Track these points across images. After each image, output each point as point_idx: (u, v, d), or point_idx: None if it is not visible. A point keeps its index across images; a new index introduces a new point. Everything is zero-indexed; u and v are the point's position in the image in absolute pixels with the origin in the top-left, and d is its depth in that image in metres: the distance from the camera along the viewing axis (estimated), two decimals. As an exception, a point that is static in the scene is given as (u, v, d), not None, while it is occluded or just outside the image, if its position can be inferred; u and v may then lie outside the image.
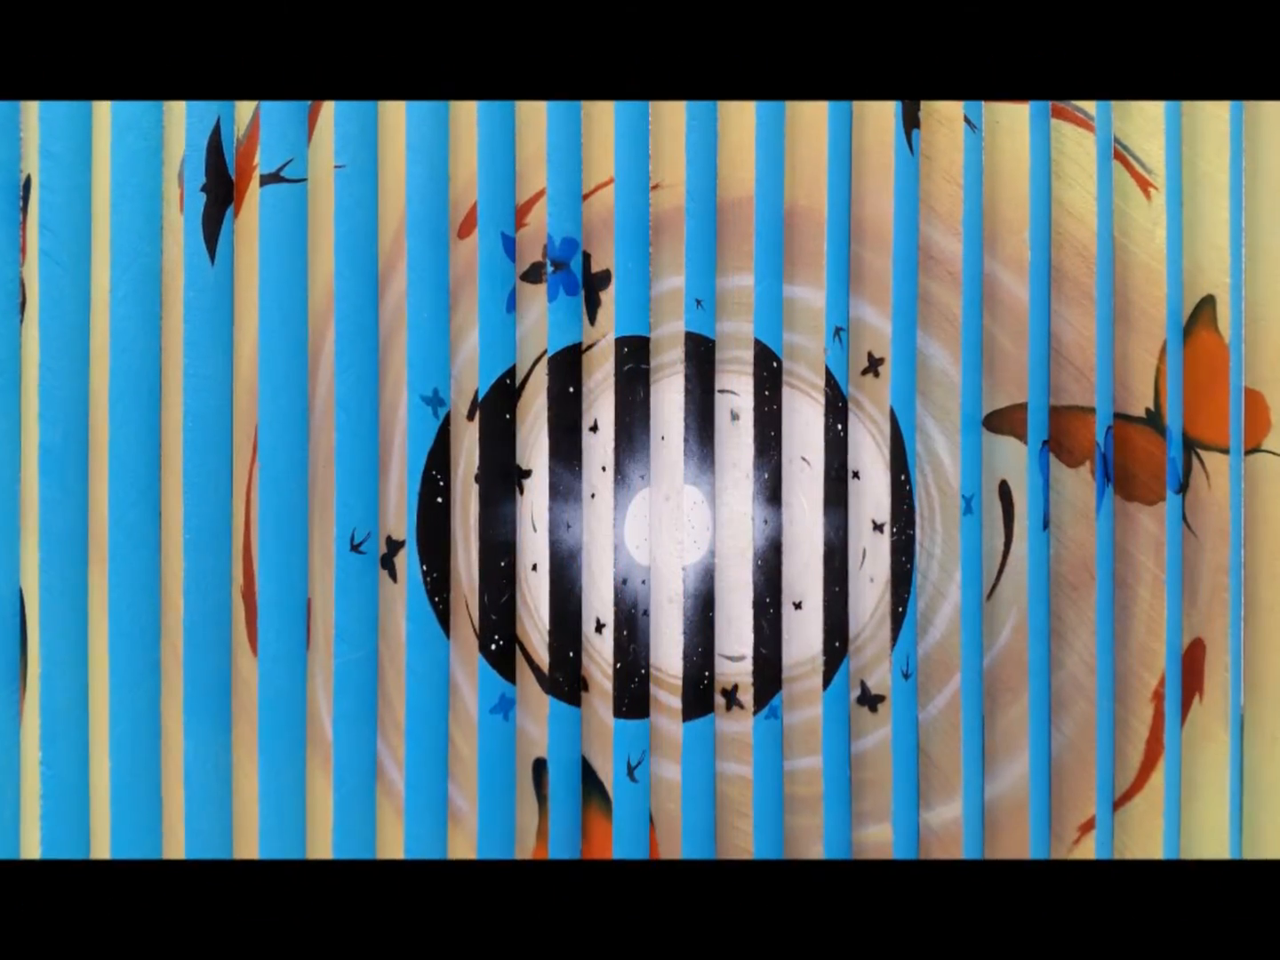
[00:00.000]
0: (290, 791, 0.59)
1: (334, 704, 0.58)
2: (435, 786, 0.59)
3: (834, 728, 0.61)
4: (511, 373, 0.60)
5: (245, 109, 0.59)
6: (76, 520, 0.58)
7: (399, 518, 0.59)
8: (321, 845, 0.59)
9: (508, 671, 0.60)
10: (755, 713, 0.60)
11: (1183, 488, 0.62)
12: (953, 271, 0.60)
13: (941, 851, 0.61)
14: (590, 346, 0.60)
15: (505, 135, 0.59)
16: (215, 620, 0.59)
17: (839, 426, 0.61)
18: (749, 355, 0.60)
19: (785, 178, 0.60)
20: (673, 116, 0.59)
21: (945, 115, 0.60)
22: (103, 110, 0.57)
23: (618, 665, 0.60)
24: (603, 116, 0.59)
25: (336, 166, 0.57)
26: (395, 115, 0.58)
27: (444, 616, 0.60)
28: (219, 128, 0.58)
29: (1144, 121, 0.60)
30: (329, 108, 0.58)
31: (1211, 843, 0.62)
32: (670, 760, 0.60)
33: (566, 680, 0.60)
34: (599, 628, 0.61)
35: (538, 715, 0.60)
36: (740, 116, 0.59)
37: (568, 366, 0.60)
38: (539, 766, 0.60)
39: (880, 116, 0.60)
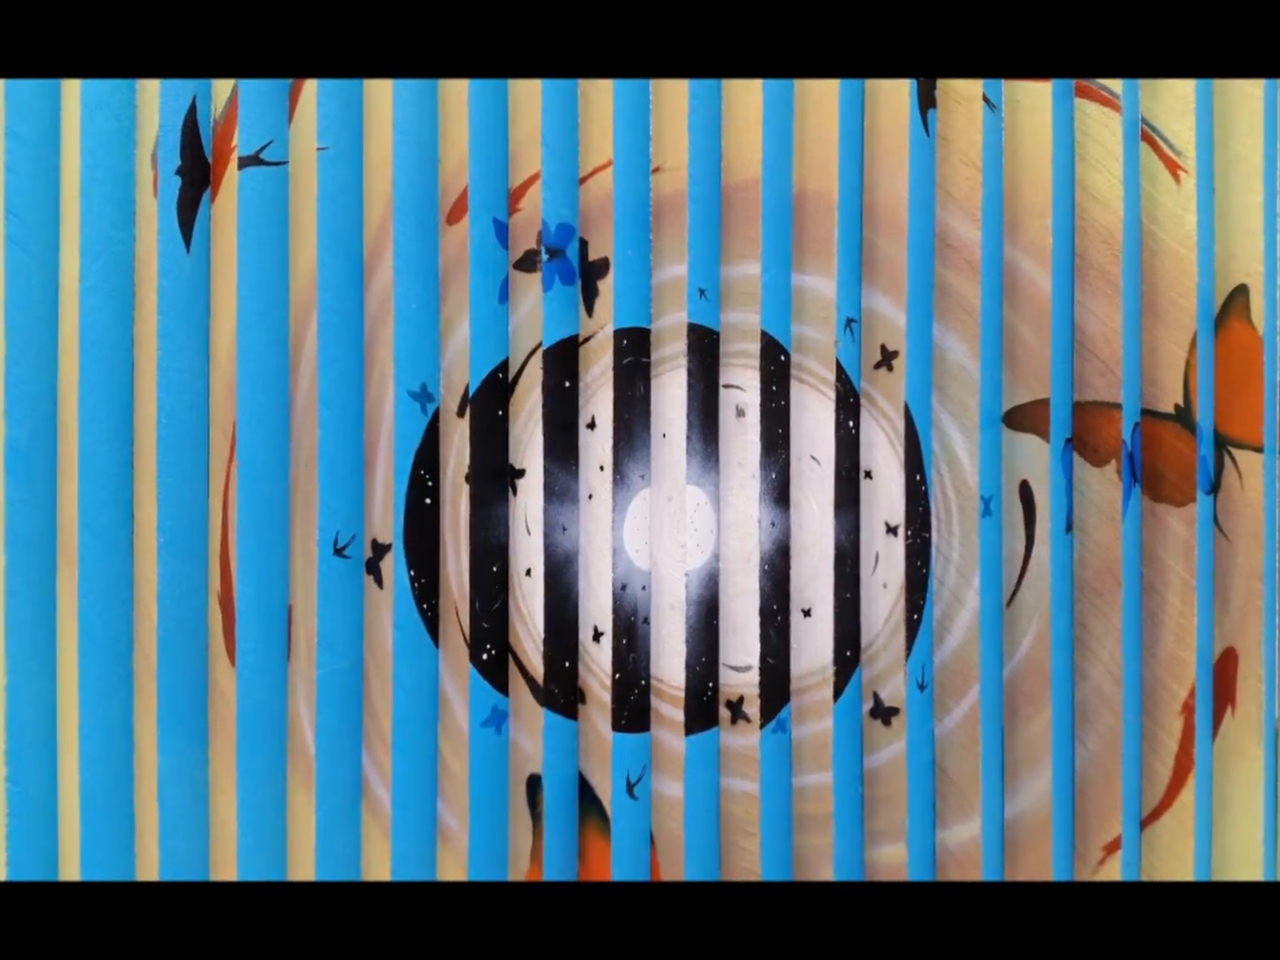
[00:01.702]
0: (270, 809, 0.58)
1: (316, 717, 0.57)
2: (423, 804, 0.59)
3: (845, 742, 0.60)
4: (504, 367, 0.60)
5: (223, 87, 0.58)
6: (44, 523, 0.58)
7: (385, 520, 0.58)
8: (303, 866, 0.58)
9: (500, 683, 0.60)
10: (762, 726, 0.60)
11: (1214, 488, 0.62)
12: (971, 260, 0.60)
13: (959, 873, 0.61)
14: (587, 339, 0.60)
15: (498, 115, 0.59)
16: (191, 628, 0.58)
17: (850, 423, 0.60)
18: (755, 348, 0.60)
19: (794, 160, 0.60)
20: (675, 95, 0.59)
21: (963, 94, 0.60)
22: (71, 89, 0.57)
23: (616, 676, 0.60)
24: (601, 96, 0.59)
25: (319, 149, 0.57)
26: (381, 94, 0.58)
27: (433, 624, 0.59)
28: (195, 107, 0.58)
29: (1173, 101, 0.60)
30: (311, 86, 0.57)
31: (1244, 863, 0.62)
32: (672, 776, 0.60)
33: (562, 692, 0.60)
34: (597, 636, 0.60)
35: (532, 729, 0.60)
36: (746, 95, 0.59)
37: (564, 360, 0.59)
38: (533, 783, 0.60)
39: (894, 95, 0.59)
